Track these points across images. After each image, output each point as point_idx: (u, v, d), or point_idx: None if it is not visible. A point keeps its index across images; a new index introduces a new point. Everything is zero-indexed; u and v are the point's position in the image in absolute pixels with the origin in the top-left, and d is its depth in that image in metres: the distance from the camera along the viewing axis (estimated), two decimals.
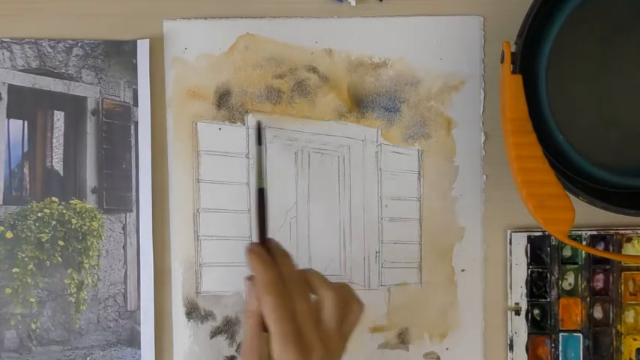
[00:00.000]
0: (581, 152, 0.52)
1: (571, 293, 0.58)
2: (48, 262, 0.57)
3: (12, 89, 0.57)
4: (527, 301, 0.58)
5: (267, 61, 0.58)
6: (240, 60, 0.58)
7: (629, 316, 0.58)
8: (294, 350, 0.43)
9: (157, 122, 0.58)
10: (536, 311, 0.58)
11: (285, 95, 0.58)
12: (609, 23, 0.55)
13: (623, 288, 0.58)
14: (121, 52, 0.57)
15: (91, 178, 0.57)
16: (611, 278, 0.58)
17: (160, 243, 0.58)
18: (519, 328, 0.58)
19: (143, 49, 0.57)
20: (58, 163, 0.57)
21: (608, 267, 0.58)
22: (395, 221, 0.58)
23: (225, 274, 0.58)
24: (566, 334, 0.58)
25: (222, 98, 0.58)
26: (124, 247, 0.57)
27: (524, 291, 0.58)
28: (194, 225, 0.58)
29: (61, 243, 0.57)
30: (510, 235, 0.58)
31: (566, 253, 0.58)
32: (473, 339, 0.58)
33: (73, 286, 0.57)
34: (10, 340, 0.57)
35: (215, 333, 0.58)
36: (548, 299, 0.58)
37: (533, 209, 0.49)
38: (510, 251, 0.58)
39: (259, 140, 0.56)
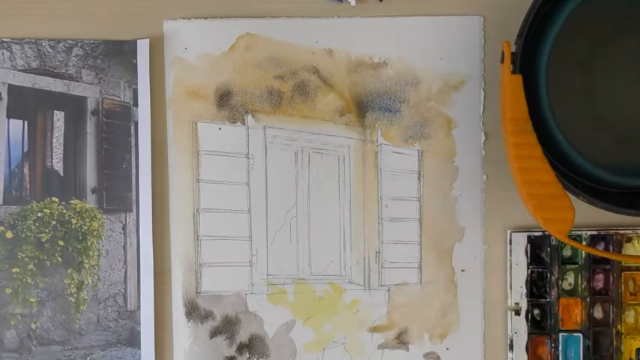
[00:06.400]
0: (581, 152, 0.51)
1: (571, 293, 0.58)
2: (48, 262, 0.57)
3: (12, 89, 0.57)
4: (527, 301, 0.58)
5: (267, 61, 0.58)
6: (241, 60, 0.58)
7: (630, 316, 0.58)
8: None
9: (157, 122, 0.58)
10: (536, 311, 0.58)
11: (285, 95, 0.58)
12: (609, 23, 0.55)
13: (623, 288, 0.58)
14: (121, 52, 0.57)
15: (91, 178, 0.57)
16: (611, 278, 0.58)
17: (160, 243, 0.58)
18: (519, 328, 0.58)
19: (143, 49, 0.57)
20: (58, 163, 0.57)
21: (608, 267, 0.58)
22: (395, 221, 0.58)
23: (225, 274, 0.58)
24: (566, 334, 0.58)
25: (223, 98, 0.58)
26: (124, 247, 0.57)
27: (524, 291, 0.58)
28: (194, 225, 0.58)
29: (61, 243, 0.57)
30: (510, 235, 0.58)
31: (566, 253, 0.58)
32: (473, 339, 0.58)
33: (73, 286, 0.57)
34: (10, 340, 0.57)
35: (215, 333, 0.58)
36: (548, 299, 0.58)
37: (533, 209, 0.49)
38: (510, 251, 0.58)
39: None
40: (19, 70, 0.57)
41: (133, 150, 0.57)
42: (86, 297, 0.57)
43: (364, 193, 0.58)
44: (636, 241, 0.58)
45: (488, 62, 0.58)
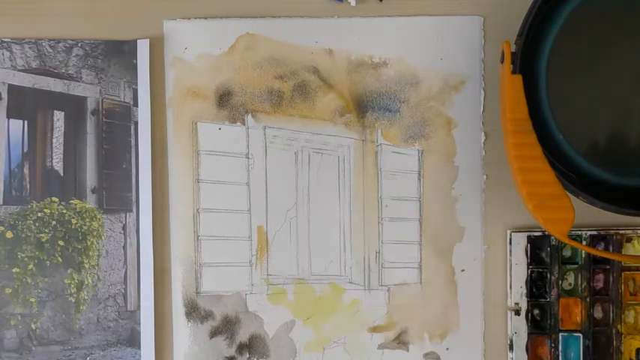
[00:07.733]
0: (581, 152, 0.52)
1: (571, 293, 0.58)
2: (48, 262, 0.57)
3: (12, 89, 0.57)
4: (527, 301, 0.58)
5: (267, 61, 0.58)
6: (241, 60, 0.58)
7: (629, 316, 0.58)
8: None
9: (157, 122, 0.58)
10: (536, 311, 0.58)
11: (285, 95, 0.58)
12: (609, 23, 0.54)
13: (623, 288, 0.58)
14: (121, 52, 0.57)
15: (91, 178, 0.57)
16: (611, 278, 0.58)
17: (160, 243, 0.58)
18: (519, 328, 0.58)
19: (143, 49, 0.57)
20: (58, 163, 0.57)
21: (608, 267, 0.58)
22: (395, 221, 0.58)
23: (225, 274, 0.58)
24: (566, 334, 0.58)
25: (223, 98, 0.58)
26: (124, 247, 0.57)
27: (524, 291, 0.58)
28: (194, 225, 0.58)
29: (61, 243, 0.57)
30: (510, 235, 0.58)
31: (566, 253, 0.58)
32: (473, 339, 0.58)
33: (73, 286, 0.57)
34: (10, 340, 0.57)
35: (215, 333, 0.58)
36: (548, 299, 0.58)
37: (533, 209, 0.49)
38: (510, 251, 0.58)
39: None
40: (19, 70, 0.57)
41: (133, 150, 0.57)
42: (86, 297, 0.57)
43: (364, 193, 0.58)
44: (636, 241, 0.58)
45: (488, 62, 0.58)
